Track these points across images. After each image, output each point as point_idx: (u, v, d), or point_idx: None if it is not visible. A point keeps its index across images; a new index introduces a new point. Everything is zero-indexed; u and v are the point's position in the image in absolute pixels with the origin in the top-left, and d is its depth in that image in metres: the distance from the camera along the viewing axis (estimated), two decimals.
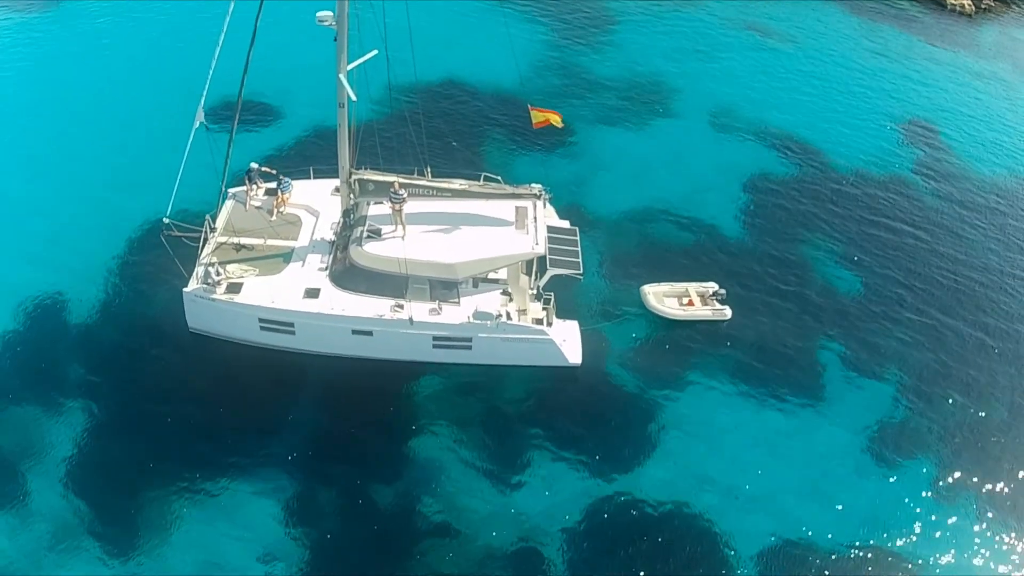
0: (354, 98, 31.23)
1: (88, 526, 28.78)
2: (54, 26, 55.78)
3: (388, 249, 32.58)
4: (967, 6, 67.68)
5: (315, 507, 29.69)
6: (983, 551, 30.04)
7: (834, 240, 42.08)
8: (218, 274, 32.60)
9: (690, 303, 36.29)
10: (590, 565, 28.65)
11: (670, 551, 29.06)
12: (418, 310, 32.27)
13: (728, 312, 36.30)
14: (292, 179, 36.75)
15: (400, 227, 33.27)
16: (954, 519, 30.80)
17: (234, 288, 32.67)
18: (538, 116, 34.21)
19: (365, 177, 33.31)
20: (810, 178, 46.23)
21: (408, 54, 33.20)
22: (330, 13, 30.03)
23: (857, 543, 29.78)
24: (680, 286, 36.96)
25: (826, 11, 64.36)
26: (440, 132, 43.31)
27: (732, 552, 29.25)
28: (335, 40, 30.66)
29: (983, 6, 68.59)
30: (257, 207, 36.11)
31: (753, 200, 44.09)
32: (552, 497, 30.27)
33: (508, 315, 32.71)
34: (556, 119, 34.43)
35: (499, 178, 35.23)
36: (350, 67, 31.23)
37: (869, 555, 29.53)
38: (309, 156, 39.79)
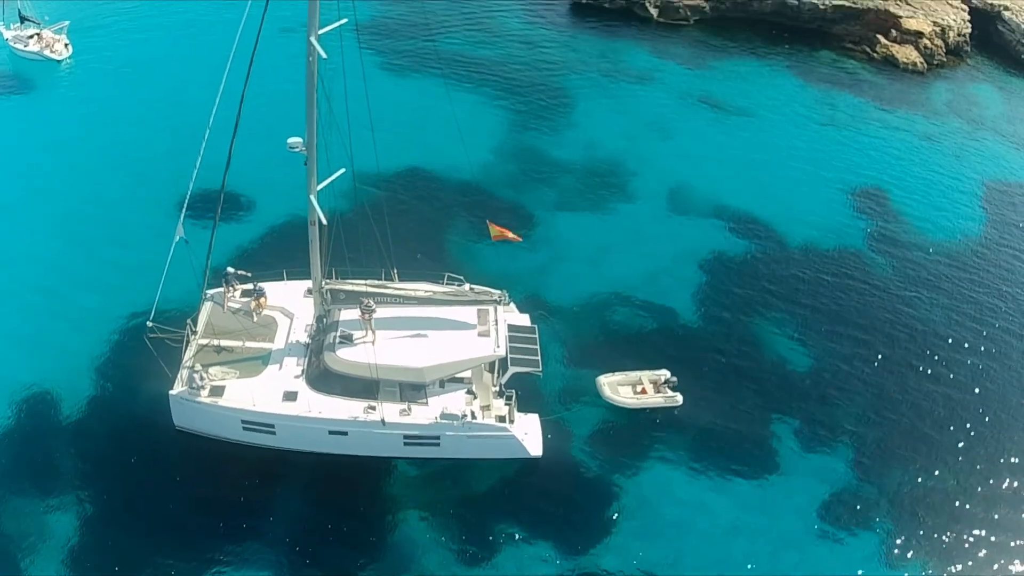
0: (324, 221, 33.48)
1: None
2: (38, 117, 57.57)
3: (359, 355, 34.74)
4: (919, 64, 69.63)
5: None
6: None
7: (786, 317, 44.21)
8: (202, 378, 34.60)
9: (643, 391, 38.45)
10: None
11: None
12: (389, 411, 34.46)
13: (680, 399, 38.42)
14: (266, 280, 38.86)
15: (370, 333, 35.48)
16: None
17: (217, 391, 34.75)
18: (495, 231, 36.76)
19: (336, 287, 35.58)
20: (763, 254, 48.39)
21: (372, 156, 35.75)
22: (299, 140, 32.23)
23: None
24: (634, 375, 39.03)
25: (779, 81, 66.38)
26: (404, 231, 44.57)
27: None
28: (305, 164, 32.91)
29: (935, 62, 70.65)
30: (235, 309, 38.22)
31: (707, 281, 46.18)
32: None
33: (473, 414, 34.92)
34: (512, 236, 37.03)
35: (462, 278, 37.47)
36: (320, 187, 33.45)
37: None
38: (282, 256, 41.40)
